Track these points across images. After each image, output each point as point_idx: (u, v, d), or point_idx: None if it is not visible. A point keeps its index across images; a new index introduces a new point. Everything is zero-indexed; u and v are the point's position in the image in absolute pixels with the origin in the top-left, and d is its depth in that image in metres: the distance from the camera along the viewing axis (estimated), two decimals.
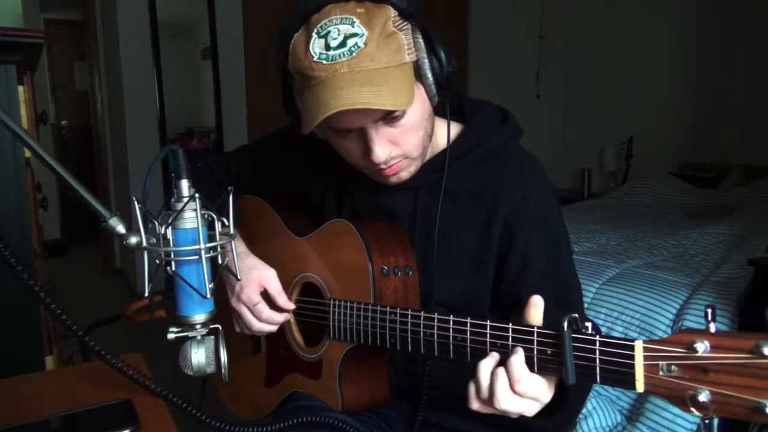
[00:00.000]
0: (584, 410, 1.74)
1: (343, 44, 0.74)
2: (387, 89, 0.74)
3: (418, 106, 0.81)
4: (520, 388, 0.64)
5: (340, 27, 0.74)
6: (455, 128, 0.93)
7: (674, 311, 1.79)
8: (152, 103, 3.77)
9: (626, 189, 3.62)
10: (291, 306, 0.95)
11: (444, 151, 0.90)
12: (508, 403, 0.64)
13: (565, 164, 4.33)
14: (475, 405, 0.68)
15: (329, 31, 0.75)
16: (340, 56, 0.74)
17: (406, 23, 0.78)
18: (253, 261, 0.96)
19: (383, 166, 0.83)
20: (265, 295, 0.94)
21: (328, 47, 0.74)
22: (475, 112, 0.93)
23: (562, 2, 4.37)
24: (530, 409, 0.66)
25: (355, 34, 0.74)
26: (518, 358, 0.65)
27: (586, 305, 1.95)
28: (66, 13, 5.56)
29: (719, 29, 3.62)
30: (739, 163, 3.44)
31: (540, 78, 4.52)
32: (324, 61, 0.74)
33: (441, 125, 0.91)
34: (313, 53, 0.75)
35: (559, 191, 4.16)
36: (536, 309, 0.68)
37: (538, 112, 4.39)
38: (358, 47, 0.73)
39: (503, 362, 0.66)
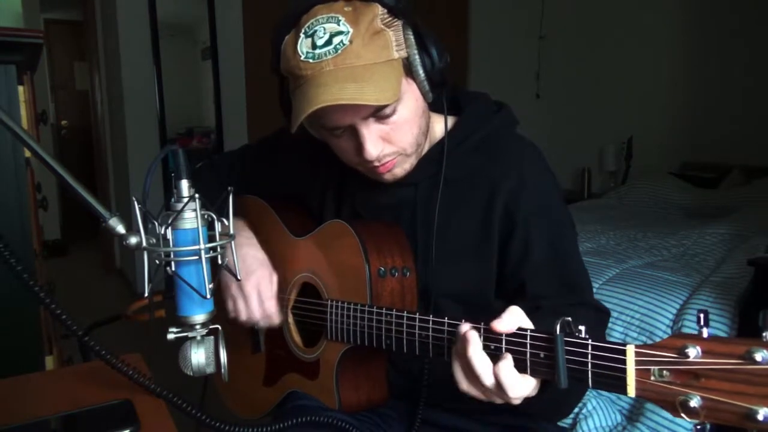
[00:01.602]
0: (584, 410, 1.74)
1: (328, 42, 0.75)
2: (371, 85, 0.74)
3: (410, 103, 0.81)
4: (513, 393, 0.64)
5: (326, 26, 0.75)
6: (451, 121, 0.93)
7: (674, 311, 1.79)
8: (152, 103, 3.77)
9: (626, 189, 3.62)
10: (275, 314, 0.96)
11: (440, 142, 0.89)
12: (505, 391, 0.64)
13: (565, 164, 4.33)
14: (464, 385, 0.68)
15: (316, 30, 0.76)
16: (325, 54, 0.75)
17: (395, 20, 0.78)
18: (262, 256, 0.98)
19: (377, 163, 0.83)
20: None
21: (314, 46, 0.75)
22: (469, 103, 0.93)
23: (562, 2, 4.37)
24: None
25: (340, 32, 0.75)
26: (507, 364, 0.64)
27: None
28: (66, 13, 5.56)
29: (720, 29, 3.62)
30: (739, 163, 3.44)
31: (540, 78, 4.52)
32: (310, 60, 0.75)
33: (437, 120, 0.92)
34: (300, 53, 0.76)
35: None
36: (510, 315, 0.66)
37: (538, 112, 4.39)
38: (343, 45, 0.74)
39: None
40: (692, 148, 3.78)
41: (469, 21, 4.60)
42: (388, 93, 0.76)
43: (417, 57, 0.79)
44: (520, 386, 0.64)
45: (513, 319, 0.65)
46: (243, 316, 0.94)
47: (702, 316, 0.54)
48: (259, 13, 3.83)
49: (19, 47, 1.11)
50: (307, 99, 0.75)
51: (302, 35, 0.77)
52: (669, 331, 1.77)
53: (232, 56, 3.92)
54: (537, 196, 0.86)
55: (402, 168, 0.86)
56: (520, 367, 0.65)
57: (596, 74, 4.23)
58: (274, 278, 0.96)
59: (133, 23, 3.66)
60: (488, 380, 0.64)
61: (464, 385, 0.68)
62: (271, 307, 0.94)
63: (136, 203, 0.64)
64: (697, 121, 3.78)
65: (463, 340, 0.66)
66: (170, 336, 0.68)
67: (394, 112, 0.80)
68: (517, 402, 0.66)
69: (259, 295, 0.93)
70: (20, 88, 1.15)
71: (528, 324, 0.66)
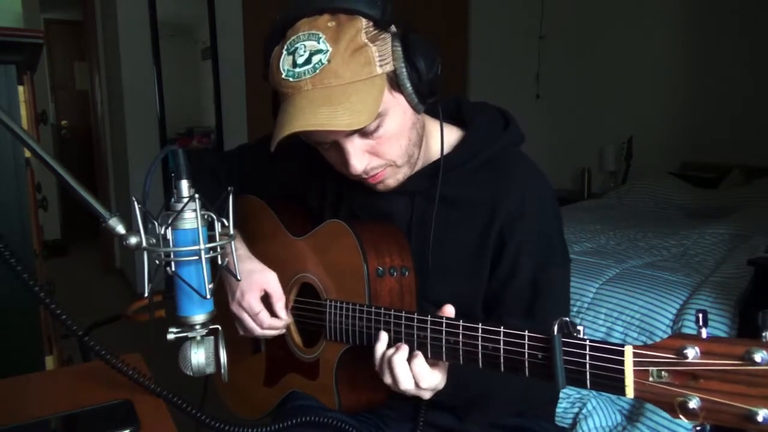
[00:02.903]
0: (584, 410, 1.74)
1: (308, 61, 0.74)
2: (346, 108, 0.74)
3: (397, 116, 0.81)
4: (425, 384, 0.75)
5: (307, 43, 0.75)
6: (455, 133, 0.93)
7: (674, 311, 1.79)
8: (152, 103, 3.76)
9: (626, 189, 3.62)
10: (285, 316, 0.94)
11: (445, 156, 0.89)
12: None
13: (565, 164, 4.33)
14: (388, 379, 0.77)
15: (296, 48, 0.76)
16: (304, 73, 0.75)
17: (382, 33, 0.77)
18: (254, 264, 0.96)
19: (364, 176, 0.83)
20: (266, 300, 0.94)
21: (294, 64, 0.75)
22: (475, 116, 0.93)
23: (562, 2, 4.37)
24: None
25: (320, 51, 0.74)
26: (419, 361, 0.74)
27: (586, 305, 1.95)
28: (66, 13, 5.56)
29: (719, 29, 3.62)
30: (739, 163, 3.44)
31: (540, 78, 4.52)
32: (290, 79, 0.75)
33: (438, 131, 0.91)
34: (282, 70, 0.76)
35: (559, 191, 4.17)
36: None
37: (538, 112, 4.39)
38: (322, 64, 0.74)
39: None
40: (692, 148, 3.78)
41: (469, 21, 4.60)
42: (363, 116, 0.75)
43: (404, 70, 0.78)
44: (431, 378, 0.75)
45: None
46: (254, 334, 0.95)
47: (701, 316, 0.54)
48: (259, 13, 3.83)
49: (19, 47, 1.11)
50: (282, 123, 0.75)
51: (285, 52, 0.77)
52: (669, 331, 1.77)
53: (232, 56, 3.92)
54: (534, 224, 0.86)
55: (394, 179, 0.86)
56: (519, 368, 0.65)
57: (596, 74, 4.23)
58: (273, 284, 0.95)
59: (133, 23, 3.66)
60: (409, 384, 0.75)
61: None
62: (274, 323, 0.94)
63: (136, 203, 0.64)
64: (697, 121, 3.78)
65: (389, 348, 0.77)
66: (170, 336, 0.68)
67: (379, 127, 0.79)
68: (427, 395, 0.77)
69: (255, 315, 0.93)
70: (20, 88, 1.15)
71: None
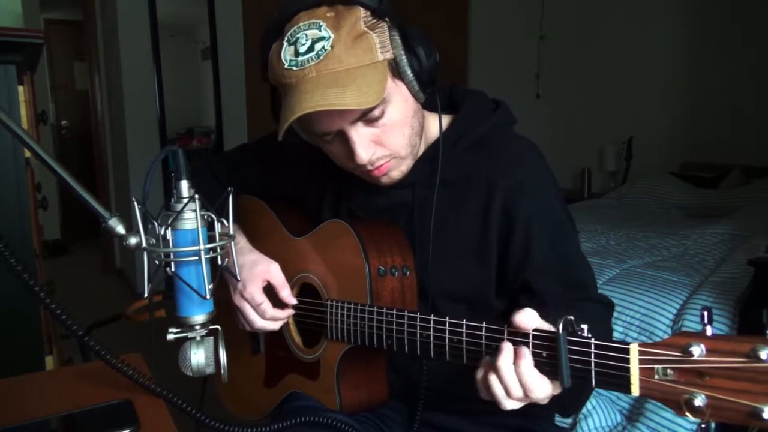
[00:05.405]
0: (584, 410, 1.74)
1: (311, 49, 0.75)
2: (353, 89, 0.74)
3: (399, 104, 0.81)
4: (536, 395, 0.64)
5: (308, 32, 0.76)
6: (447, 120, 0.93)
7: (674, 311, 1.79)
8: (152, 103, 3.76)
9: (626, 189, 3.62)
10: (293, 301, 0.94)
11: (436, 142, 0.89)
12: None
13: (565, 164, 4.33)
14: (509, 405, 0.67)
15: (298, 38, 0.76)
16: (308, 61, 0.75)
17: (380, 22, 0.78)
18: (255, 256, 0.95)
19: (370, 167, 0.83)
20: (268, 292, 0.93)
21: (297, 53, 0.76)
22: (465, 100, 0.93)
23: (562, 2, 4.37)
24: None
25: (322, 38, 0.75)
26: (527, 362, 0.64)
27: None
28: (66, 13, 5.55)
29: (719, 29, 3.62)
30: (739, 163, 3.44)
31: (540, 78, 4.52)
32: (294, 68, 0.76)
33: (433, 119, 0.91)
34: (284, 61, 0.76)
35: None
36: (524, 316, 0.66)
37: (538, 112, 4.39)
38: (325, 50, 0.74)
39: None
40: (692, 148, 3.78)
41: (469, 21, 4.60)
42: (370, 96, 0.75)
43: (404, 57, 0.79)
44: (541, 386, 0.64)
45: (531, 316, 0.65)
46: (255, 325, 0.94)
47: (705, 313, 0.54)
48: (259, 13, 3.83)
49: (19, 47, 1.11)
50: (290, 107, 0.75)
51: (285, 43, 0.77)
52: (669, 330, 1.77)
53: (232, 56, 3.92)
54: (536, 197, 0.86)
55: (398, 170, 0.86)
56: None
57: (596, 74, 4.23)
58: (275, 274, 0.95)
59: (133, 23, 3.66)
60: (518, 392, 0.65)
61: (507, 401, 0.67)
62: (276, 313, 0.93)
63: (136, 203, 0.64)
64: (697, 121, 3.78)
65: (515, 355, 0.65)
66: (170, 336, 0.68)
67: (382, 114, 0.79)
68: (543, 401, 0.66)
69: (258, 306, 0.93)
70: (20, 88, 1.14)
71: (541, 323, 0.66)
